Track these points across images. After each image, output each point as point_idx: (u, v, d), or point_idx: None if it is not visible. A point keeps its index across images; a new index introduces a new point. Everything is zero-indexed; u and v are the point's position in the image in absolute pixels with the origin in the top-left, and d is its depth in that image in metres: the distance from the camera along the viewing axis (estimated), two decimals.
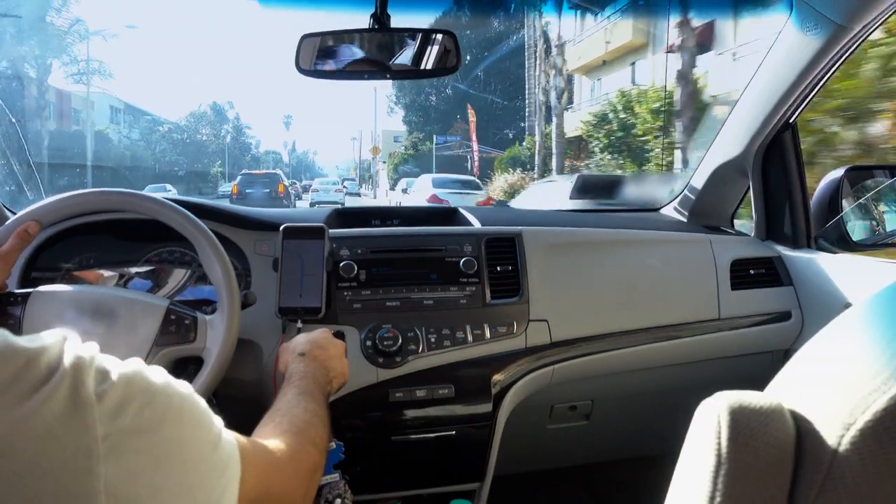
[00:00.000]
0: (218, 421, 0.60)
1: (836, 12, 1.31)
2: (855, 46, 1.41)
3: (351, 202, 27.26)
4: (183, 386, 0.56)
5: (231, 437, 0.62)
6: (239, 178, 21.73)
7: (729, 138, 1.78)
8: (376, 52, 1.39)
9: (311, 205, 22.97)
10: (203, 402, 0.58)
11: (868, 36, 1.38)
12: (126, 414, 0.49)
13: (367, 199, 35.62)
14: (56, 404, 0.45)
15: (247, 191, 20.04)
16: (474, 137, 27.36)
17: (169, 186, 26.08)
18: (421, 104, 39.24)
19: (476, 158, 27.16)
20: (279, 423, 0.82)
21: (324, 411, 0.92)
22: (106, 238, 1.49)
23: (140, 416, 0.50)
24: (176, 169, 41.98)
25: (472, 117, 27.39)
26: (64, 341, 0.50)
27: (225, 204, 1.61)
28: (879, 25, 1.35)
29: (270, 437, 0.77)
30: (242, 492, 0.60)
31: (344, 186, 32.50)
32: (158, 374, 0.54)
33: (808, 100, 1.59)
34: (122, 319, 1.13)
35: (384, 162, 39.87)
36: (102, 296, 1.16)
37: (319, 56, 1.40)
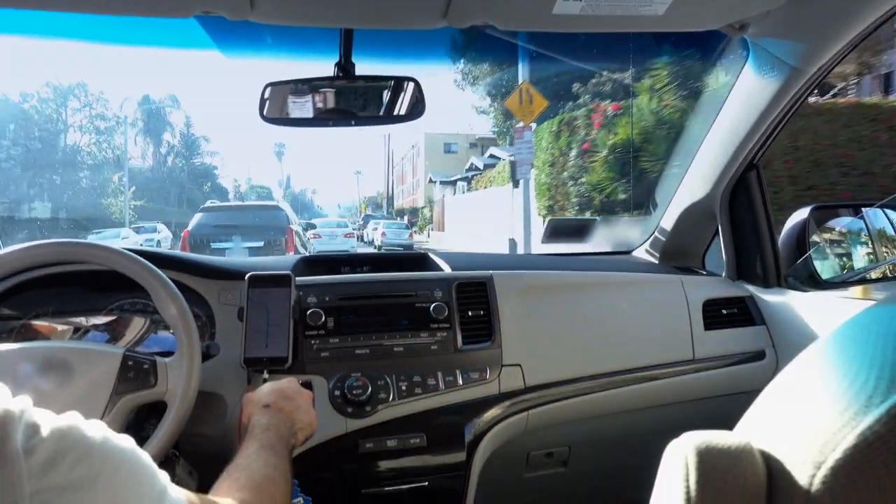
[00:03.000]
0: (163, 476, 0.57)
1: (791, 56, 1.35)
2: (812, 87, 1.44)
3: None
4: (123, 440, 0.54)
5: (178, 493, 0.58)
6: (199, 216, 10.33)
7: (695, 180, 1.80)
8: (341, 100, 1.40)
9: None
10: (146, 457, 0.55)
11: (824, 77, 1.42)
12: (58, 470, 0.46)
13: None
14: None
15: (213, 245, 9.55)
16: None
17: None
18: None
19: None
20: (237, 479, 0.78)
21: (286, 465, 0.89)
22: (66, 289, 1.46)
23: (73, 472, 0.47)
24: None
25: None
26: None
27: (187, 253, 1.58)
28: (834, 67, 1.39)
29: (227, 494, 0.73)
30: None
31: (378, 232, 22.29)
32: (96, 429, 0.52)
33: (770, 140, 1.62)
34: (76, 372, 1.10)
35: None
36: (53, 349, 1.13)
37: (284, 105, 1.40)
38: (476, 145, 36.36)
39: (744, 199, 1.74)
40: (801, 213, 1.74)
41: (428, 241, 28.01)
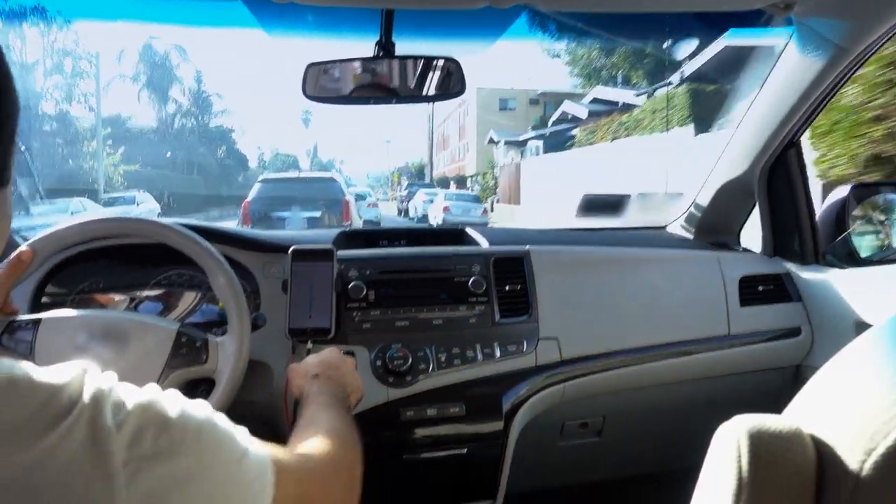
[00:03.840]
0: (243, 435, 0.60)
1: (837, 35, 1.33)
2: (856, 67, 1.43)
3: None
4: (200, 409, 0.57)
5: (261, 448, 0.62)
6: (258, 187, 10.82)
7: (734, 157, 1.80)
8: (381, 78, 1.42)
9: None
10: (223, 422, 0.59)
11: (868, 57, 1.40)
12: (144, 441, 0.50)
13: None
14: (77, 436, 0.47)
15: (273, 215, 10.01)
16: None
17: None
18: None
19: None
20: (307, 433, 0.81)
21: (349, 418, 0.92)
22: (115, 262, 1.51)
23: (157, 443, 0.51)
24: None
25: None
26: (84, 374, 0.51)
27: (233, 227, 1.63)
28: (880, 47, 1.37)
29: (303, 444, 0.77)
30: (280, 499, 0.60)
31: (437, 207, 17.30)
32: (174, 401, 0.55)
33: (812, 119, 1.61)
34: (133, 343, 1.15)
35: None
36: (113, 319, 1.18)
37: (325, 83, 1.43)
38: (538, 101, 31.06)
39: (783, 176, 1.74)
40: (842, 191, 1.73)
41: (492, 217, 19.85)
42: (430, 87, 1.42)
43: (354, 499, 0.81)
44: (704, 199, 1.93)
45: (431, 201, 19.29)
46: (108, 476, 0.47)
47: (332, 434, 0.82)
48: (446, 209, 17.04)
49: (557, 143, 20.76)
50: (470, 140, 32.43)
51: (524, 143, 24.46)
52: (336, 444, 0.80)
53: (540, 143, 23.12)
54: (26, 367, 0.49)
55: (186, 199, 25.63)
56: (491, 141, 28.88)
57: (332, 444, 0.79)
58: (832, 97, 1.55)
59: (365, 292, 1.44)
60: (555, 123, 22.92)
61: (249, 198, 10.42)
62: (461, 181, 31.76)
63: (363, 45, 1.37)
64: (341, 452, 0.80)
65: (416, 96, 1.45)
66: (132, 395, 0.53)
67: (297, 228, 9.37)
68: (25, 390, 0.47)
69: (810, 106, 1.56)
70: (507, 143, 25.51)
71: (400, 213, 25.43)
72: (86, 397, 0.49)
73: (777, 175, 1.75)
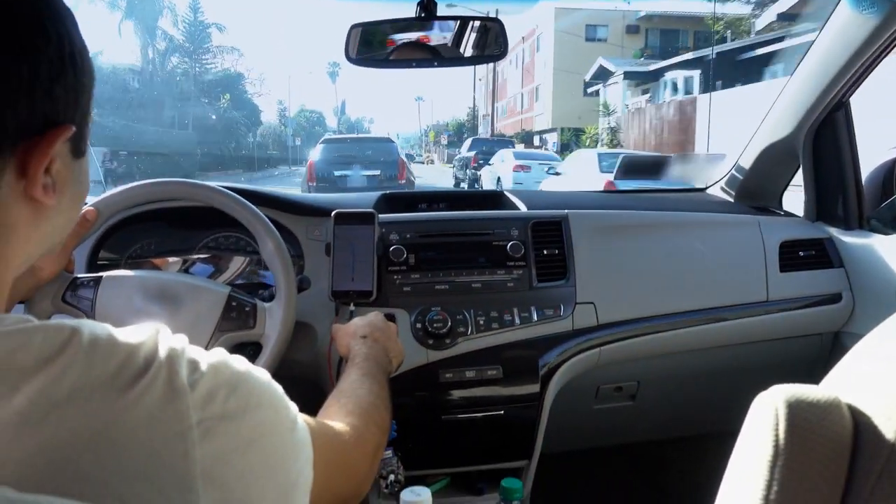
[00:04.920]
0: (293, 406, 0.63)
1: None
2: None
3: None
4: (262, 373, 0.60)
5: (303, 421, 0.64)
6: (321, 147, 11.82)
7: (779, 118, 1.76)
8: (424, 40, 1.41)
9: None
10: (280, 388, 0.61)
11: None
12: (216, 401, 0.52)
13: None
14: (155, 393, 0.49)
15: (335, 174, 10.94)
16: None
17: None
18: None
19: None
20: (344, 405, 0.85)
21: (386, 393, 0.95)
22: (162, 225, 1.55)
23: (227, 403, 0.53)
24: None
25: None
26: (157, 334, 0.54)
27: (277, 190, 1.65)
28: None
29: (336, 419, 0.80)
30: (315, 472, 0.63)
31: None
32: (241, 364, 0.57)
33: (862, 79, 1.56)
34: (186, 305, 1.19)
35: None
36: (167, 281, 1.22)
37: (367, 45, 1.43)
38: (637, 29, 24.62)
39: (829, 138, 1.69)
40: (890, 154, 1.69)
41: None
42: (472, 48, 1.41)
43: (374, 471, 0.85)
44: (747, 161, 1.89)
45: (555, 172, 11.73)
46: (181, 434, 0.49)
47: (366, 410, 0.85)
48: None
49: (742, 68, 13.24)
50: (545, 81, 24.35)
51: (657, 74, 16.74)
52: (367, 423, 0.83)
53: (693, 73, 15.38)
54: (106, 328, 0.51)
55: (170, 160, 21.42)
56: (599, 75, 20.60)
57: (363, 422, 0.82)
58: (885, 57, 1.50)
59: (405, 255, 1.46)
60: (778, 23, 14.25)
61: (314, 158, 11.57)
62: (527, 138, 24.63)
63: (405, 7, 1.36)
64: (371, 431, 0.83)
65: (458, 58, 1.44)
66: (204, 356, 0.55)
67: (357, 185, 10.46)
68: (106, 349, 0.49)
69: (862, 65, 1.51)
70: (627, 75, 17.88)
71: (457, 183, 18.62)
72: (161, 356, 0.51)
73: (823, 137, 1.71)
